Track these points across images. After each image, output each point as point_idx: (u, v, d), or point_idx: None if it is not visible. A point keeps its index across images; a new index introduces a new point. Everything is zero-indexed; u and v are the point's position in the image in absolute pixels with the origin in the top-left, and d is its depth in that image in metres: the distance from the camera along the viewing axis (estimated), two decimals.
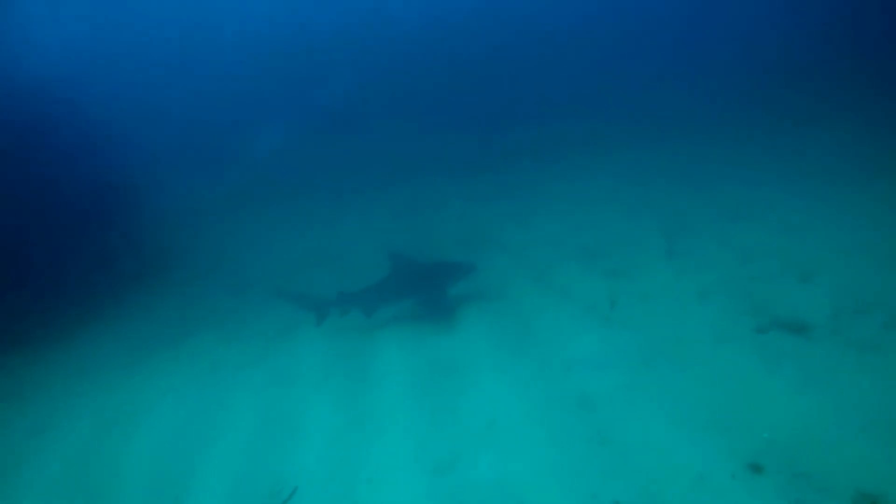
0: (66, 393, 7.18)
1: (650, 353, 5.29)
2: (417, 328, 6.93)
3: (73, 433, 6.17)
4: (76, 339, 9.00)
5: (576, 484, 4.02)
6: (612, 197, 10.08)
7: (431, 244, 9.57)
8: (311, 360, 6.69)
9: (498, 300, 7.15)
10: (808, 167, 9.14)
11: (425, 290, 6.88)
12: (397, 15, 27.97)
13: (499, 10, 27.85)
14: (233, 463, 5.12)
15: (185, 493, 4.88)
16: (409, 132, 18.50)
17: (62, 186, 13.12)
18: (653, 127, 14.04)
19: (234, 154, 18.57)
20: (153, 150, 17.76)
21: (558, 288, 7.09)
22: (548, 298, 6.87)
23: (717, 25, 21.14)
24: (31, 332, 9.38)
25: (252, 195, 15.26)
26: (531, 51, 24.75)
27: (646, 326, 5.76)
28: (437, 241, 9.78)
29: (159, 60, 23.92)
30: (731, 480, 3.73)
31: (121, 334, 8.83)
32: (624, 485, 3.91)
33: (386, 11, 28.13)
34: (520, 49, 25.01)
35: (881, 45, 14.19)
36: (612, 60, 21.51)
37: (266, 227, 12.79)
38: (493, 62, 24.16)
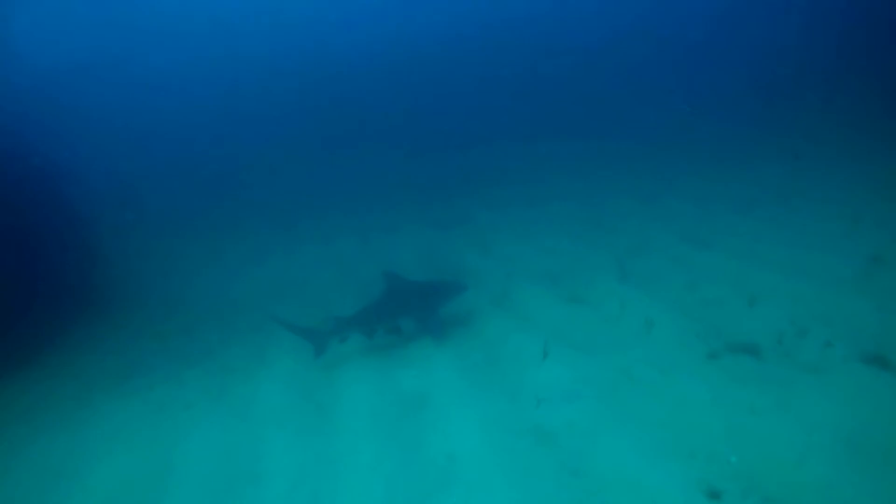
0: (3, 438, 6.61)
1: (611, 381, 5.29)
2: (383, 358, 6.78)
3: (11, 482, 5.66)
4: (16, 376, 8.32)
5: None
6: (572, 218, 10.29)
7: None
8: (274, 396, 6.39)
9: (463, 327, 7.10)
10: (767, 191, 9.50)
11: (418, 309, 6.82)
12: (377, 41, 28.07)
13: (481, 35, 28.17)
14: None
15: None
16: (371, 157, 18.42)
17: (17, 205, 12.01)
18: (626, 147, 14.35)
19: (193, 178, 18.00)
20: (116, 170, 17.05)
21: (521, 314, 7.11)
22: (511, 325, 6.84)
23: (725, 40, 21.53)
24: None
25: (203, 223, 14.79)
26: (512, 75, 24.92)
27: (604, 355, 5.76)
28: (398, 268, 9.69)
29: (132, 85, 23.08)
30: None
31: (64, 372, 8.22)
32: None
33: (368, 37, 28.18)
34: (501, 73, 25.18)
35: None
36: (602, 77, 21.91)
37: (224, 257, 12.37)
38: (466, 88, 24.29)
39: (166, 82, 24.11)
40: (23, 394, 7.71)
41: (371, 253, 10.93)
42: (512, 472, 4.42)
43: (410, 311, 6.86)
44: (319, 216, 14.02)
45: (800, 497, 3.67)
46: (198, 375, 7.26)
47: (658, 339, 5.86)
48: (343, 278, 9.75)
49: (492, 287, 8.11)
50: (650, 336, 5.96)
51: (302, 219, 14.10)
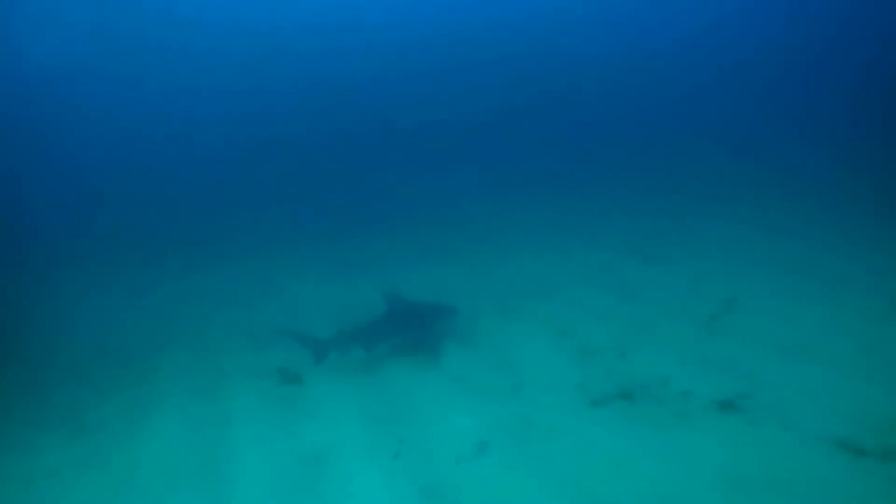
0: None
1: (508, 431, 5.28)
2: (284, 408, 6.31)
3: None
4: None
5: None
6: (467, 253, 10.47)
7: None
8: (157, 459, 5.67)
9: (364, 373, 6.85)
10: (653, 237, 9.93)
11: (415, 328, 7.25)
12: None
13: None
14: None
15: None
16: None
17: None
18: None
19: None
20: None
21: (421, 358, 7.02)
22: (412, 371, 6.75)
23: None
24: None
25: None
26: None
27: (497, 403, 5.76)
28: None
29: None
30: None
31: None
32: None
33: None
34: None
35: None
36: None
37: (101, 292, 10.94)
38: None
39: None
40: None
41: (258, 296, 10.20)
42: None
43: (408, 329, 7.25)
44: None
45: None
46: (60, 441, 6.26)
47: (539, 389, 5.93)
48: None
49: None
50: (531, 386, 6.01)
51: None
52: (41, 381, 7.66)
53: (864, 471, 4.25)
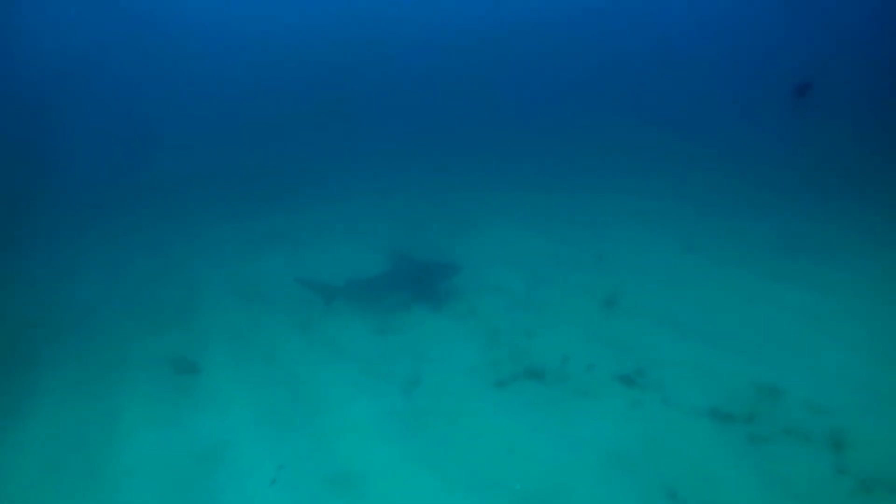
0: None
1: (411, 415, 5.26)
2: (175, 401, 5.87)
3: None
4: None
5: None
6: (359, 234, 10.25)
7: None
8: (32, 457, 5.15)
9: (263, 362, 6.49)
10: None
11: (418, 283, 7.57)
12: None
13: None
14: None
15: None
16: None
17: None
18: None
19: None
20: None
21: (331, 343, 6.80)
22: (319, 356, 6.53)
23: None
24: None
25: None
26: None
27: (402, 388, 5.71)
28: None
29: None
30: None
31: None
32: None
33: None
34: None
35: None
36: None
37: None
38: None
39: None
40: None
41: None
42: None
43: (412, 284, 7.58)
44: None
45: None
46: None
47: (443, 373, 5.89)
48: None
49: (296, 311, 7.62)
50: (436, 370, 5.96)
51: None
52: None
53: (729, 434, 4.65)
